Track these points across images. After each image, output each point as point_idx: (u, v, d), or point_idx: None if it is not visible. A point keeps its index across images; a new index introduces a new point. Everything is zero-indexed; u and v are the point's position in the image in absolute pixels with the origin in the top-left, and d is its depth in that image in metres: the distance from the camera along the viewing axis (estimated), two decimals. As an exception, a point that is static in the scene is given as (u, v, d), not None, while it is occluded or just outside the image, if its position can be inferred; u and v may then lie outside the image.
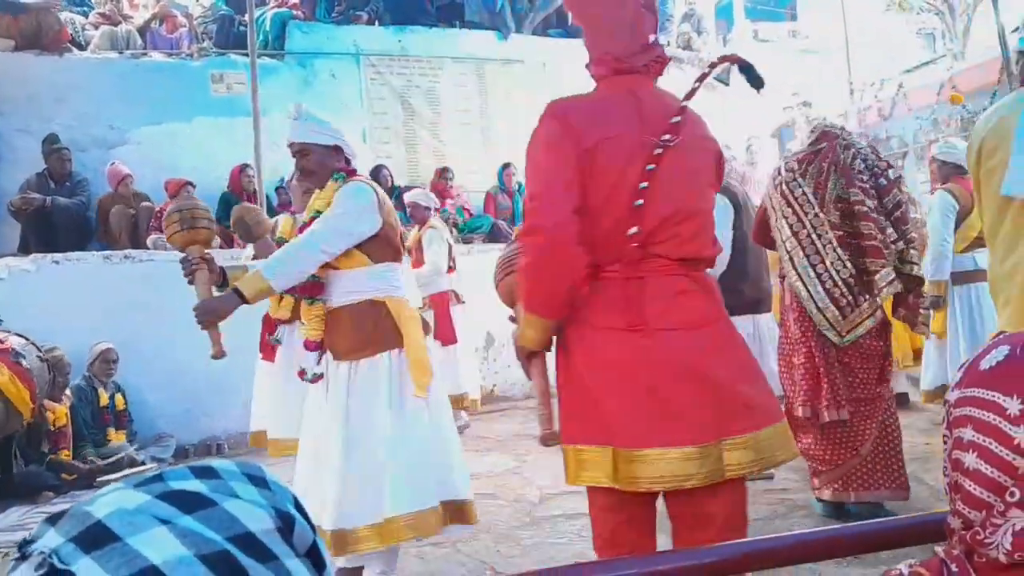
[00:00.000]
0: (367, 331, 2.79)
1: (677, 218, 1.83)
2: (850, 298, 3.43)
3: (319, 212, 2.82)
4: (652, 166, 1.79)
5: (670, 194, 1.82)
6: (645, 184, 1.79)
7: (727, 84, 8.72)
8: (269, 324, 3.90)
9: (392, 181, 8.57)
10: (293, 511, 0.56)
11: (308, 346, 2.88)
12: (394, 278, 2.89)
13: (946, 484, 0.91)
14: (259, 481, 0.56)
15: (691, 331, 1.82)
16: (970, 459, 0.86)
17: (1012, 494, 0.83)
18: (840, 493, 3.53)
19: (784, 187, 3.56)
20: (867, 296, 3.45)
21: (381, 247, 2.81)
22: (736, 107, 10.92)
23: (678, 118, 1.84)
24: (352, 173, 2.92)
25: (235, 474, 0.56)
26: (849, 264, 3.42)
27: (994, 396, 0.85)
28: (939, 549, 0.93)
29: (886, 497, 3.50)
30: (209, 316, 2.54)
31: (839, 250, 3.42)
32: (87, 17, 8.88)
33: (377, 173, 8.42)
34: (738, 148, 10.44)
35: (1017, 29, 7.77)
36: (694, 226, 1.88)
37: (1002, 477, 0.83)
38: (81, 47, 8.23)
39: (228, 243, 6.89)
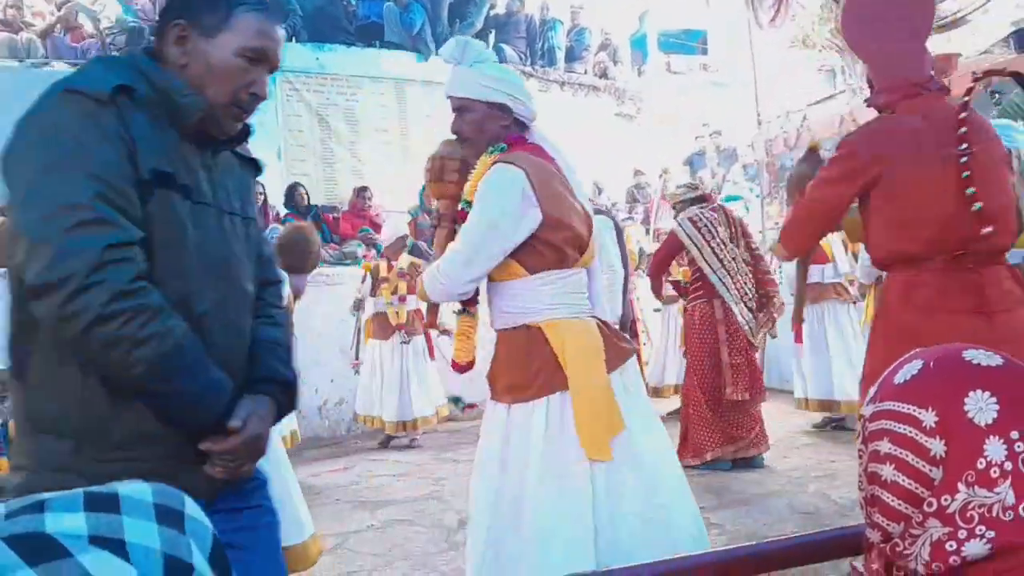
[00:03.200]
0: (521, 366, 2.13)
1: (1003, 214, 2.11)
2: (755, 312, 4.95)
3: (469, 203, 2.18)
4: (967, 173, 2.06)
5: (991, 194, 2.08)
6: (972, 189, 2.05)
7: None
8: None
9: (309, 199, 8.41)
10: (194, 559, 0.51)
11: (455, 367, 2.37)
12: (557, 293, 2.15)
13: (862, 498, 0.93)
14: (172, 516, 0.51)
15: (1017, 311, 2.12)
16: (887, 471, 0.87)
17: (929, 504, 0.84)
18: (733, 453, 4.89)
19: (706, 231, 4.93)
20: (764, 311, 5.02)
21: (537, 251, 2.12)
22: (650, 136, 11.21)
23: (965, 128, 2.09)
24: (518, 143, 2.22)
25: (141, 506, 0.50)
26: (752, 288, 4.98)
27: (909, 409, 0.87)
28: (857, 564, 0.95)
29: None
30: None
31: (749, 275, 4.97)
32: (-17, 23, 8.44)
33: (293, 191, 8.25)
34: (652, 175, 10.72)
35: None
36: (1010, 217, 2.15)
37: (919, 488, 0.85)
38: (-24, 54, 7.81)
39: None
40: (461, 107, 2.22)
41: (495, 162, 2.13)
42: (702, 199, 5.19)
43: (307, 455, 6.02)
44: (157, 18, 1.43)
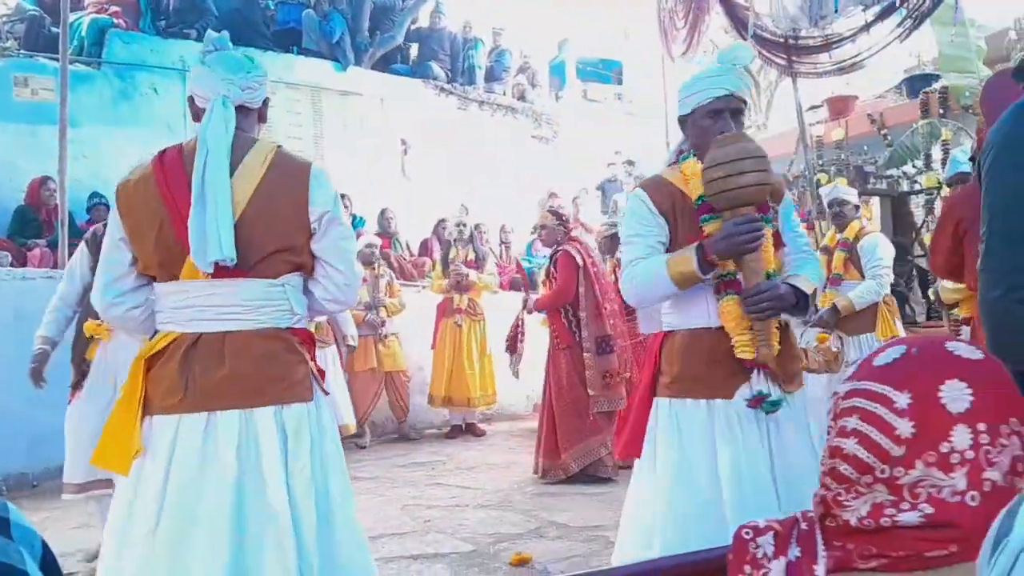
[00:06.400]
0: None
1: None
2: None
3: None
4: None
5: None
6: None
7: None
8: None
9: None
10: (26, 565, 0.49)
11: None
12: None
13: (822, 471, 0.95)
14: None
15: None
16: (850, 444, 0.89)
17: (882, 471, 0.87)
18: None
19: None
20: None
21: None
22: (566, 162, 11.40)
23: None
24: None
25: None
26: None
27: (884, 389, 0.89)
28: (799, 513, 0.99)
29: None
30: None
31: None
32: None
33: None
34: (566, 199, 10.88)
35: (812, 108, 8.69)
36: None
37: (875, 462, 0.88)
38: None
39: (19, 260, 6.20)
40: (738, 110, 2.18)
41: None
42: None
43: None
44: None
